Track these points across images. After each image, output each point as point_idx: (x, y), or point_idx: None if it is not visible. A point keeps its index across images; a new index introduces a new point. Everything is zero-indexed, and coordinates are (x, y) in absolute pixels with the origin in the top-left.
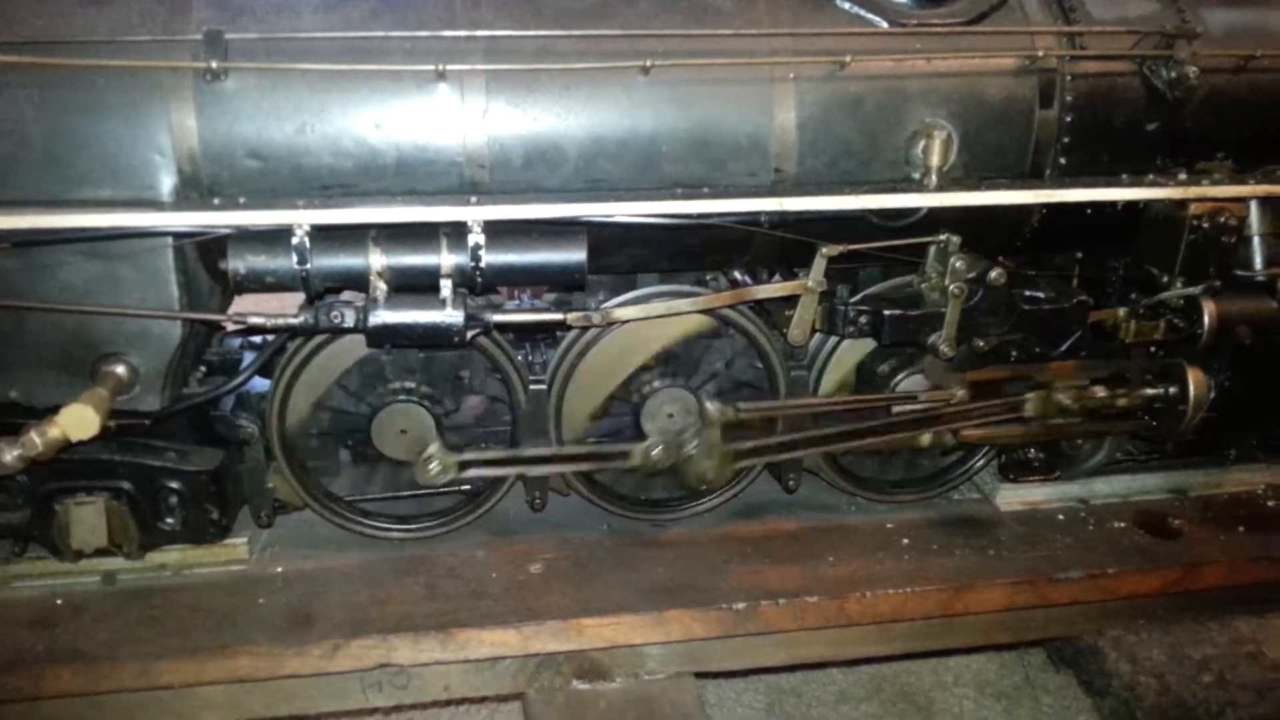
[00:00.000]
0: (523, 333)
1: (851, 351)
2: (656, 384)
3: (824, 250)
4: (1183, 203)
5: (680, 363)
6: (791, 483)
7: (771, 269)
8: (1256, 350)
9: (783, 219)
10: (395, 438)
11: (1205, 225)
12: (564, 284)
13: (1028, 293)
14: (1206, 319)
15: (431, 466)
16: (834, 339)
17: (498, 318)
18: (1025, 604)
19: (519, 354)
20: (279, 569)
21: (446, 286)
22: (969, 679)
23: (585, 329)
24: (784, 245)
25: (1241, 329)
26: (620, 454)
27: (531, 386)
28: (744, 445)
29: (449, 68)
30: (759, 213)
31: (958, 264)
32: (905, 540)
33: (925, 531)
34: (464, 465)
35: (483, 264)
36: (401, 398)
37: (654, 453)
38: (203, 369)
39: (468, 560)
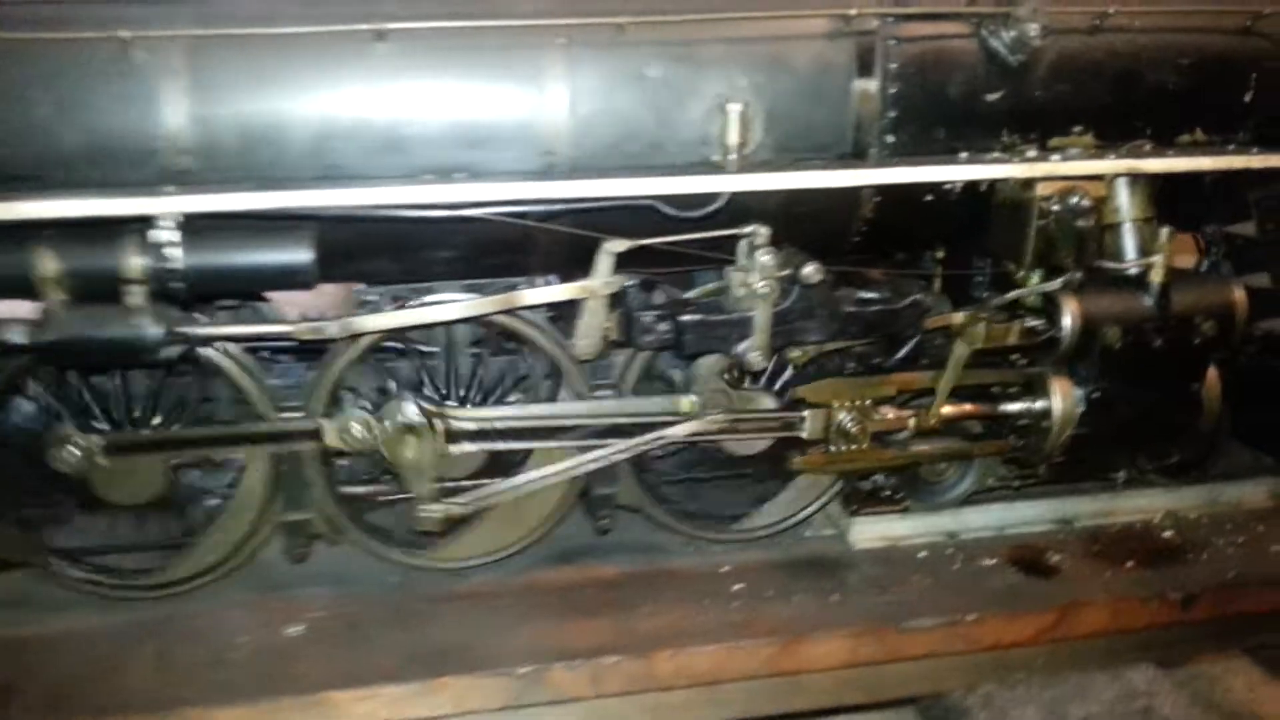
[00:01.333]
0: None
1: None
2: None
3: (607, 246)
4: (1029, 183)
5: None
6: (604, 521)
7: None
8: (1128, 354)
9: (550, 212)
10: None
11: (1056, 208)
12: (288, 288)
13: (858, 294)
14: (1067, 319)
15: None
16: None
17: (206, 331)
18: (870, 658)
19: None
20: None
21: (136, 294)
22: None
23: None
24: (579, 245)
25: (1109, 330)
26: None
27: (283, 415)
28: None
29: (141, 34)
30: (522, 201)
31: (764, 259)
32: (738, 586)
33: (763, 575)
34: (112, 447)
35: (178, 266)
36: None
37: (353, 429)
38: None
39: (217, 622)
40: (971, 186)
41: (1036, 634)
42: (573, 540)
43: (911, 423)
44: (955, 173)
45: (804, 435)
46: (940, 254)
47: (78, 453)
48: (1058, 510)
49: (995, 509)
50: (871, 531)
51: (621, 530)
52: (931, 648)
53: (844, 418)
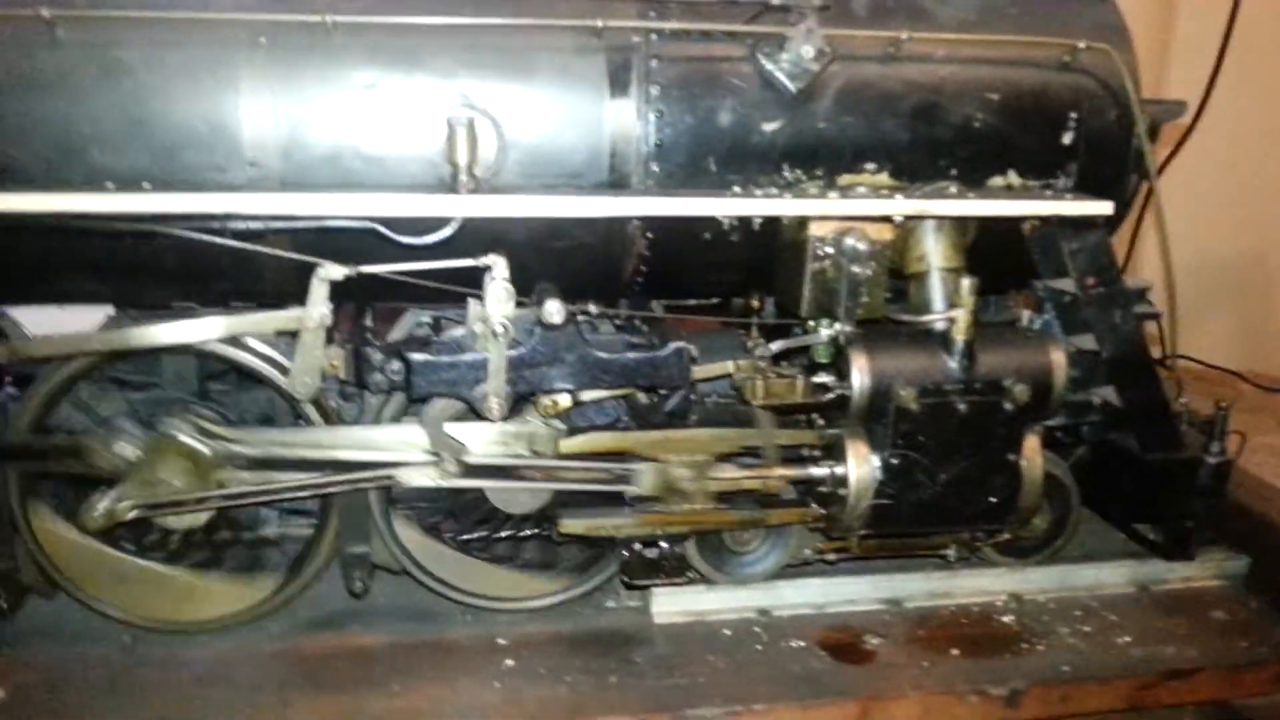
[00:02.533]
0: None
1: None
2: None
3: (321, 272)
4: (804, 223)
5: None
6: (357, 585)
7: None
8: (928, 418)
9: (252, 231)
10: None
11: (830, 251)
12: None
13: (615, 338)
14: (856, 376)
15: None
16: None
17: None
18: None
19: None
20: None
21: None
22: None
23: None
24: (306, 274)
25: (905, 390)
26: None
27: None
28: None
29: None
30: (210, 217)
31: (498, 292)
32: (509, 661)
33: (542, 650)
34: None
35: None
36: None
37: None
38: None
39: None
40: (746, 226)
41: None
42: (342, 605)
43: (751, 484)
44: (712, 207)
45: (638, 490)
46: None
47: None
48: (885, 588)
49: (814, 584)
50: (674, 605)
51: (404, 594)
52: None
53: (679, 473)
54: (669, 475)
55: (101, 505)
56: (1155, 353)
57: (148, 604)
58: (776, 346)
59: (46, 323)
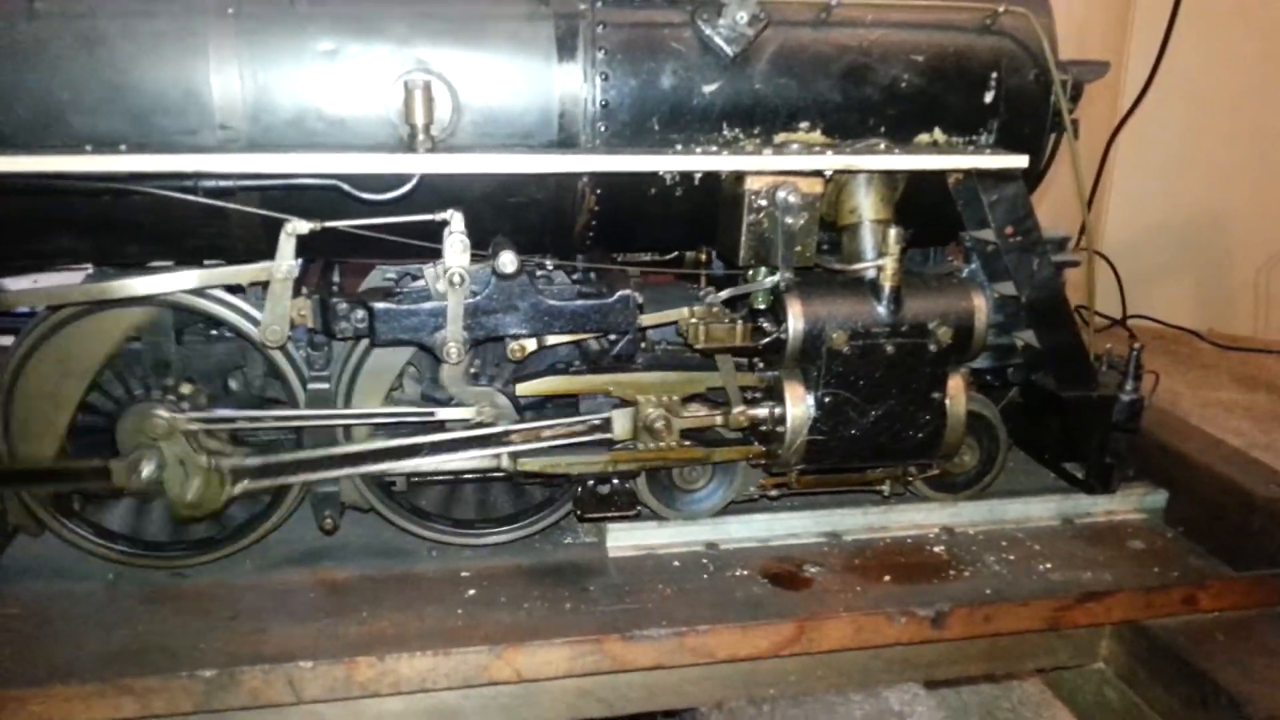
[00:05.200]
0: None
1: (393, 358)
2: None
3: (289, 228)
4: (741, 178)
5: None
6: (328, 523)
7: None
8: (857, 359)
9: (221, 189)
10: None
11: (764, 204)
12: None
13: (565, 288)
14: (790, 320)
15: None
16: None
17: None
18: (593, 668)
19: None
20: None
21: None
22: None
23: None
24: (274, 230)
25: (836, 333)
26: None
27: None
28: (244, 464)
29: None
30: (184, 176)
31: (454, 244)
32: (471, 591)
33: (502, 580)
34: None
35: None
36: None
37: (144, 469)
38: None
39: None
40: (689, 181)
41: (772, 647)
42: (314, 543)
43: (718, 420)
44: (655, 163)
45: (613, 436)
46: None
47: None
48: (826, 523)
49: (759, 519)
50: (628, 539)
51: (372, 532)
52: (660, 659)
53: (651, 414)
54: (643, 413)
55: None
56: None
57: None
58: (725, 294)
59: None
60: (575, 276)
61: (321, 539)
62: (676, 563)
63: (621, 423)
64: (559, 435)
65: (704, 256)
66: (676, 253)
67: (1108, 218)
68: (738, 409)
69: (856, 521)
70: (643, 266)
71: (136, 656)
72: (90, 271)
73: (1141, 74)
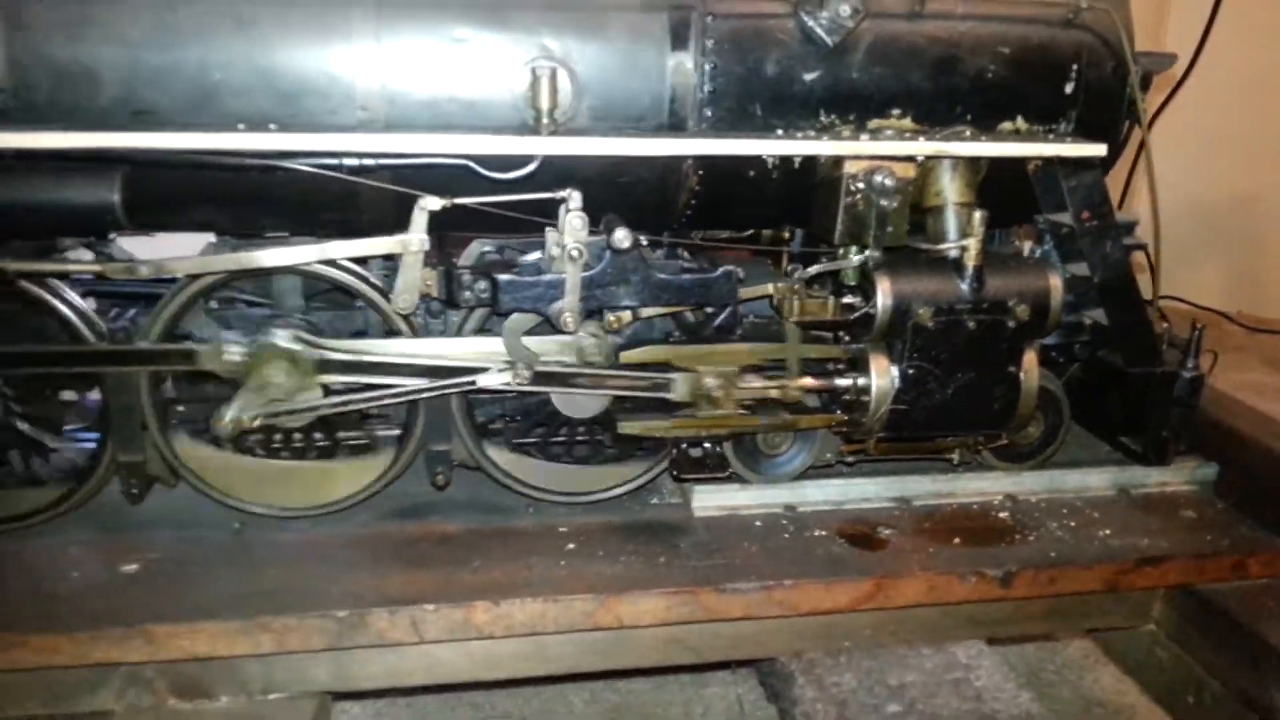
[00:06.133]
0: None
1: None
2: None
3: (421, 203)
4: (839, 162)
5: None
6: (440, 478)
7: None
8: (941, 334)
9: (365, 167)
10: None
11: (861, 186)
12: (95, 232)
13: (672, 263)
14: (880, 296)
15: None
16: (476, 313)
17: (17, 265)
18: (686, 617)
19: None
20: None
21: None
22: (720, 709)
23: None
24: (403, 204)
25: (922, 309)
26: (187, 353)
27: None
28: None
29: None
30: (333, 153)
31: (574, 221)
32: (571, 545)
33: (599, 536)
34: None
35: None
36: None
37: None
38: None
39: (54, 557)
40: (788, 164)
41: (851, 602)
42: (420, 497)
43: (774, 393)
44: (761, 147)
45: (672, 397)
46: (787, 234)
47: None
48: (897, 489)
49: (834, 484)
50: (712, 500)
51: (473, 489)
52: (748, 610)
53: (710, 382)
54: (702, 383)
55: (228, 415)
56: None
57: (289, 495)
58: (813, 270)
59: (144, 250)
60: (660, 252)
61: (426, 495)
62: (758, 523)
63: (681, 386)
64: (622, 386)
65: (787, 234)
66: (751, 230)
67: (1141, 198)
68: (796, 381)
69: (925, 488)
70: (725, 244)
71: (272, 597)
72: (213, 241)
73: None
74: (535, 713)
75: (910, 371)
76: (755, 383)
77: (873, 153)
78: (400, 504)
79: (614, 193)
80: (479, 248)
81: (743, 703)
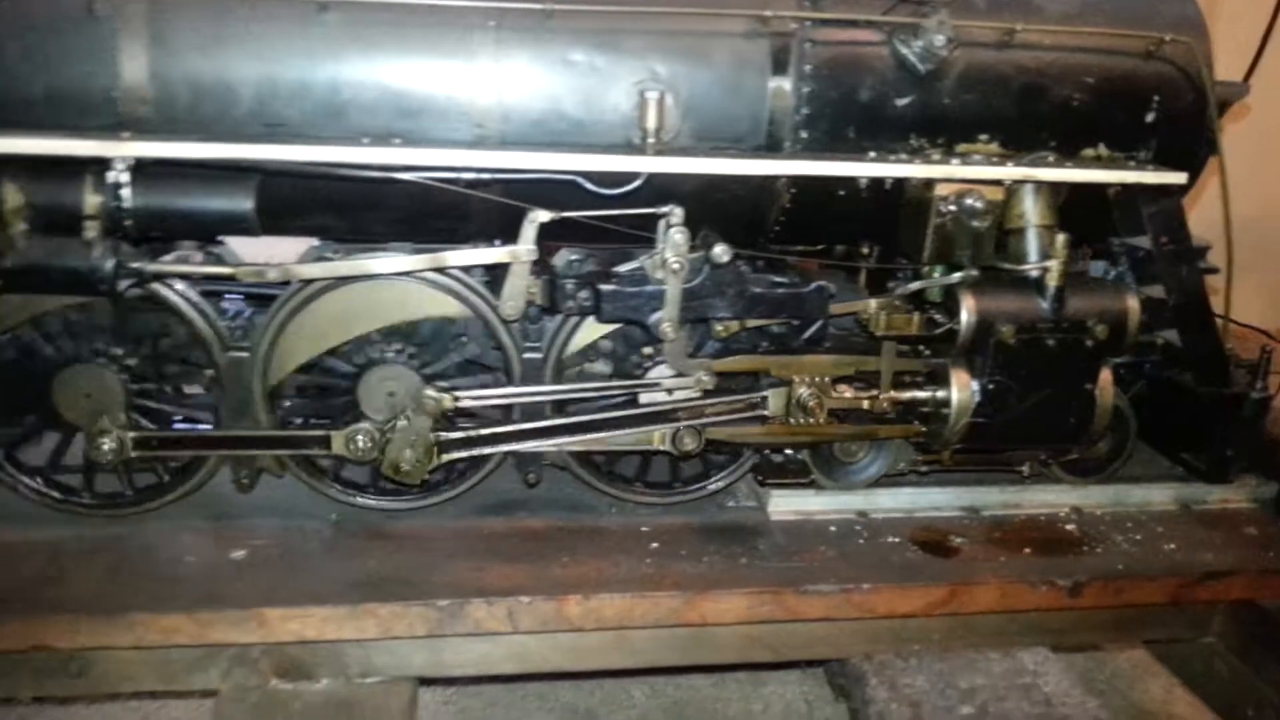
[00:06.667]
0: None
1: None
2: (380, 357)
3: (531, 216)
4: (930, 184)
5: (411, 338)
6: (531, 477)
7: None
8: (1022, 351)
9: (480, 180)
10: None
11: (952, 209)
12: (230, 234)
13: (765, 277)
14: (964, 314)
15: (105, 443)
16: (572, 319)
17: (157, 267)
18: (767, 616)
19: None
20: None
21: (92, 229)
22: (779, 708)
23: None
24: (508, 215)
25: (1004, 327)
26: (319, 439)
27: (231, 354)
28: (450, 436)
29: None
30: (448, 169)
31: (677, 237)
32: (654, 544)
33: (680, 537)
34: (141, 443)
35: (127, 206)
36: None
37: (359, 440)
38: None
39: (167, 542)
40: (878, 185)
41: (927, 607)
42: (506, 494)
43: (865, 404)
44: (858, 169)
45: (767, 413)
46: (865, 250)
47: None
48: (965, 498)
49: (905, 493)
50: (787, 505)
51: (555, 488)
52: (827, 612)
53: (803, 394)
54: (795, 394)
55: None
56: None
57: None
58: (912, 287)
59: (246, 253)
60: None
61: (512, 492)
62: (833, 528)
63: (776, 400)
64: (723, 411)
65: (866, 251)
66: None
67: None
68: (886, 393)
69: (994, 498)
70: (804, 257)
71: (375, 585)
72: (315, 245)
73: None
74: (598, 704)
75: (990, 386)
76: (848, 394)
77: (964, 176)
78: (487, 500)
79: (708, 209)
80: (567, 256)
81: (809, 701)
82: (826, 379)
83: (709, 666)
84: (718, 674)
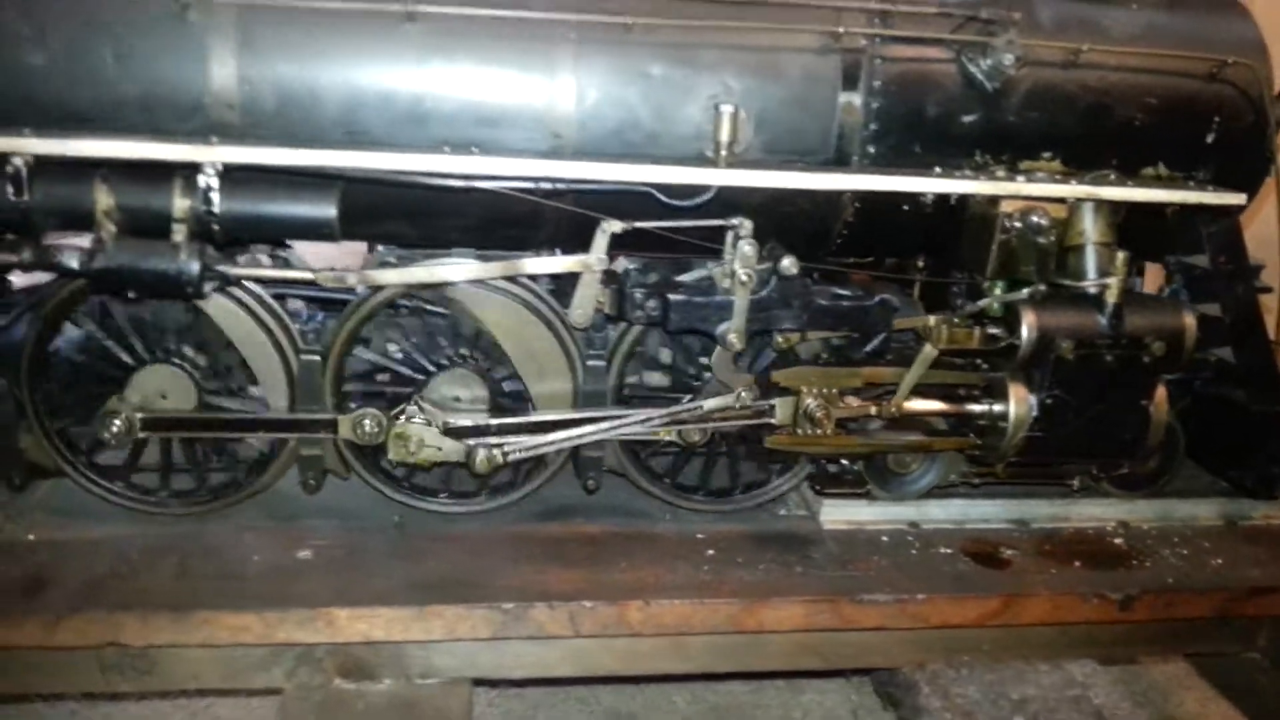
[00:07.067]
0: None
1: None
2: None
3: (604, 226)
4: (995, 200)
5: (477, 344)
6: (591, 482)
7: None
8: (1080, 366)
9: (557, 190)
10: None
11: (1017, 225)
12: (314, 240)
13: (830, 289)
14: (1025, 329)
15: (114, 423)
16: (634, 328)
17: (239, 271)
18: (824, 625)
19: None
20: (30, 536)
21: (179, 232)
22: (818, 715)
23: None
24: (581, 224)
25: (1064, 342)
26: (327, 423)
27: (303, 356)
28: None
29: None
30: (530, 179)
31: (746, 249)
32: (711, 551)
33: (735, 544)
34: (148, 424)
35: (216, 210)
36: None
37: (365, 424)
38: None
39: (232, 541)
40: (943, 200)
41: (980, 618)
42: (560, 500)
43: (873, 411)
44: (928, 185)
45: (774, 420)
46: (920, 263)
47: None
48: (1015, 511)
49: (956, 504)
50: (839, 514)
51: (608, 495)
52: (882, 621)
53: (810, 404)
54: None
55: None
56: None
57: None
58: (980, 304)
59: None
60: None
61: (568, 498)
62: (885, 538)
63: (783, 409)
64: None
65: (920, 264)
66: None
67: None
68: (958, 406)
69: (1042, 511)
70: (854, 269)
71: (440, 587)
72: (380, 250)
73: None
74: (639, 709)
75: (1048, 401)
76: (918, 406)
77: (1030, 193)
78: (543, 506)
79: (773, 221)
80: (622, 264)
81: (855, 711)
82: (834, 390)
83: (748, 673)
84: (755, 681)
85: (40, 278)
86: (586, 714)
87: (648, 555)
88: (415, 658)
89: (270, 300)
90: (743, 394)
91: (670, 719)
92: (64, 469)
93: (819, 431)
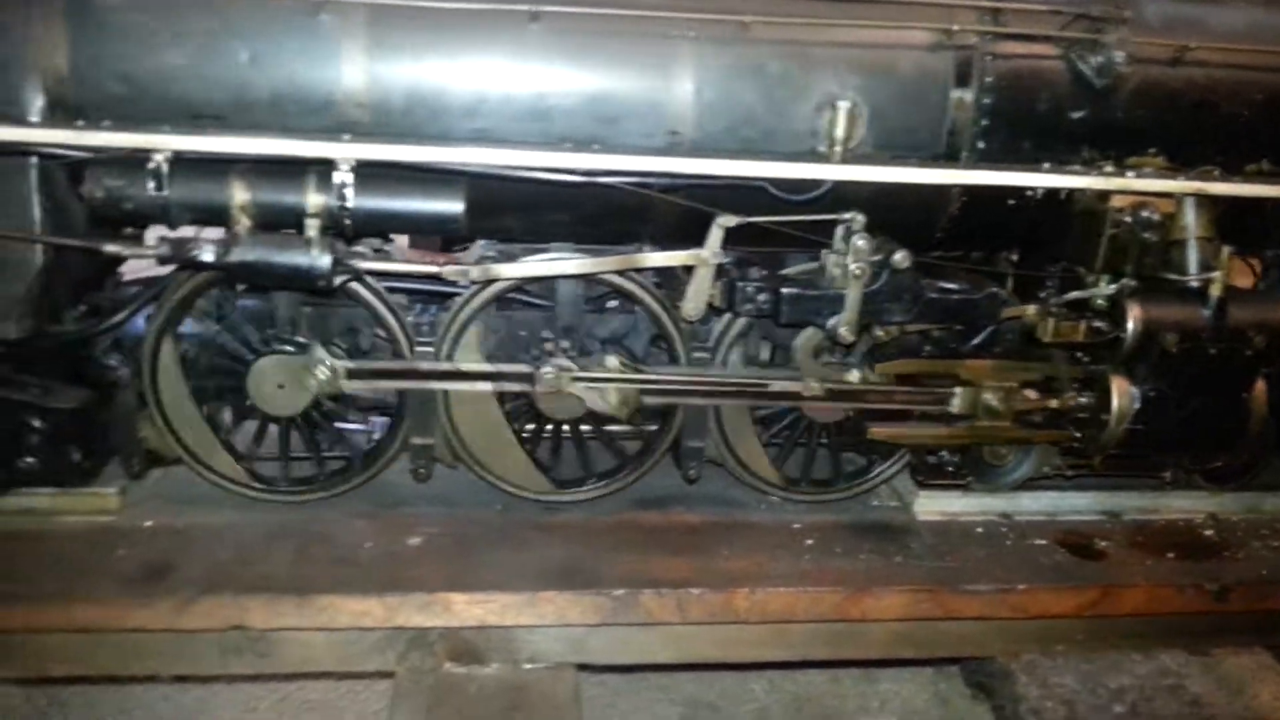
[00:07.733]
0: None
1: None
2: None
3: (719, 220)
4: (1105, 195)
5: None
6: (692, 472)
7: (680, 243)
8: (1184, 360)
9: (673, 185)
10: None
11: (1127, 220)
12: (441, 235)
13: (938, 282)
14: (1130, 322)
15: (320, 370)
16: (738, 321)
17: (368, 265)
18: (926, 614)
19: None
20: (148, 523)
21: (312, 227)
22: (896, 706)
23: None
24: (687, 218)
25: (1168, 335)
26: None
27: (418, 349)
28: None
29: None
30: (647, 174)
31: (859, 243)
32: (809, 541)
33: (832, 534)
34: (353, 374)
35: (349, 205)
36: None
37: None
38: (82, 307)
39: (345, 528)
40: (1051, 195)
41: (1078, 608)
42: (656, 490)
43: (1053, 403)
44: (1040, 180)
45: (953, 410)
46: (1014, 257)
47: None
48: (1106, 503)
49: (1048, 496)
50: (933, 505)
51: (704, 484)
52: (983, 611)
53: (989, 397)
54: (981, 397)
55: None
56: None
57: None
58: (1071, 296)
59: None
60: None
61: (664, 488)
62: (979, 529)
63: (963, 400)
64: (909, 403)
65: (1014, 256)
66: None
67: None
68: (1069, 396)
69: (1133, 503)
70: (950, 263)
71: (550, 574)
72: (481, 243)
73: None
74: (718, 698)
75: (1151, 394)
76: (1035, 398)
77: (1140, 189)
78: (640, 495)
79: (880, 215)
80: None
81: (945, 699)
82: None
83: (826, 662)
84: (831, 670)
85: (153, 271)
86: (667, 702)
87: (747, 544)
88: (523, 642)
89: (387, 295)
90: (812, 385)
91: (749, 708)
92: (183, 458)
93: (998, 424)
